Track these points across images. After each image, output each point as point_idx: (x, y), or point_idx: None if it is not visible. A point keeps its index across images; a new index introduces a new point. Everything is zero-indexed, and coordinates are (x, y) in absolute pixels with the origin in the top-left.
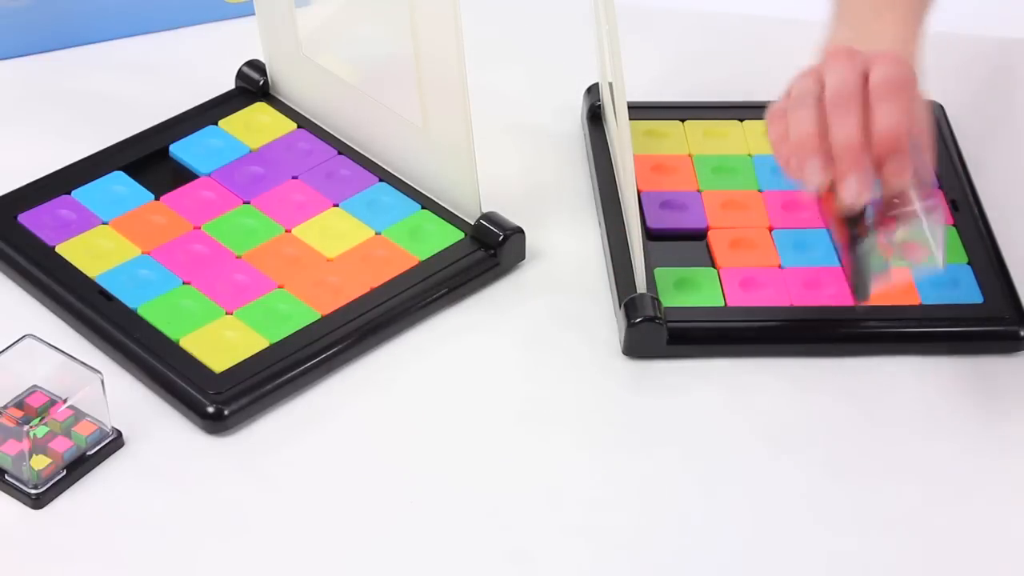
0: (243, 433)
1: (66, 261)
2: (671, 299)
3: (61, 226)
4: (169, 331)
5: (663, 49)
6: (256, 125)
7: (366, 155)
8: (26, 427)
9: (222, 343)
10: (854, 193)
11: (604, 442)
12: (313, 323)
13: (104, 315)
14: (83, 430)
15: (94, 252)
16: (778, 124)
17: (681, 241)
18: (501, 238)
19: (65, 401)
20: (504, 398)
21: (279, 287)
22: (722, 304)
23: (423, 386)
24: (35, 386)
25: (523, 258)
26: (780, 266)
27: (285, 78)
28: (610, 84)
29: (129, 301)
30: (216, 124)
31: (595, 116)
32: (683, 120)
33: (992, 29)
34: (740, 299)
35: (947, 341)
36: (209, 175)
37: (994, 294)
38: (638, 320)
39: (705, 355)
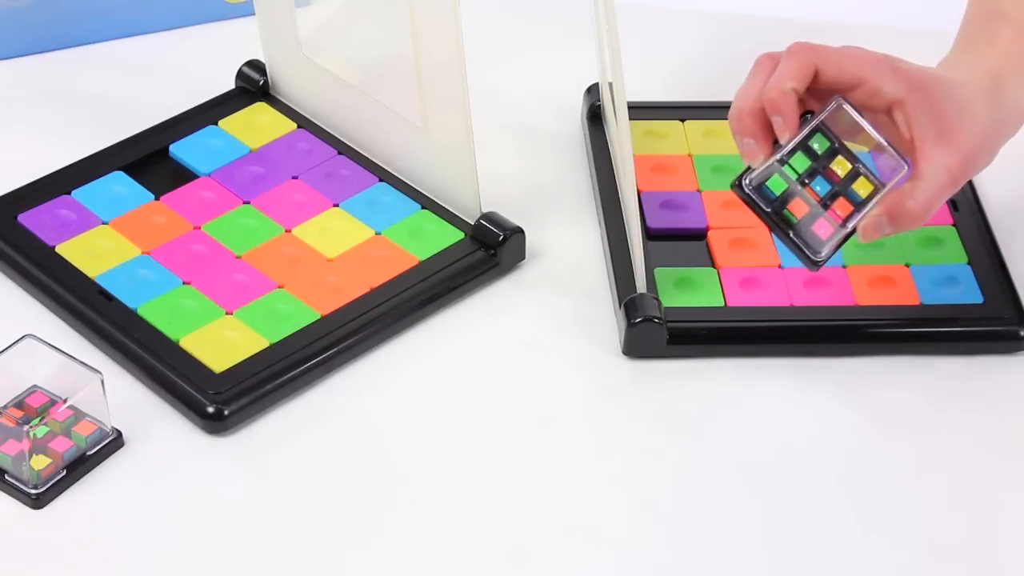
0: (243, 433)
1: (66, 261)
2: (671, 299)
3: (61, 226)
4: (169, 331)
5: (663, 49)
6: (256, 125)
7: (366, 155)
8: (26, 427)
9: (222, 343)
10: (745, 154)
11: (604, 442)
12: (313, 323)
13: (104, 315)
14: (83, 430)
15: (94, 252)
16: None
17: (681, 241)
18: (501, 238)
19: (65, 401)
20: (504, 398)
21: (279, 287)
22: (722, 304)
23: (423, 386)
24: (35, 386)
25: (523, 258)
26: (780, 266)
27: (285, 78)
28: (610, 84)
29: (129, 301)
30: (216, 124)
31: (595, 116)
32: (683, 120)
33: None
34: (740, 299)
35: (947, 341)
36: (209, 175)
37: (994, 294)
38: (638, 320)
39: (705, 355)
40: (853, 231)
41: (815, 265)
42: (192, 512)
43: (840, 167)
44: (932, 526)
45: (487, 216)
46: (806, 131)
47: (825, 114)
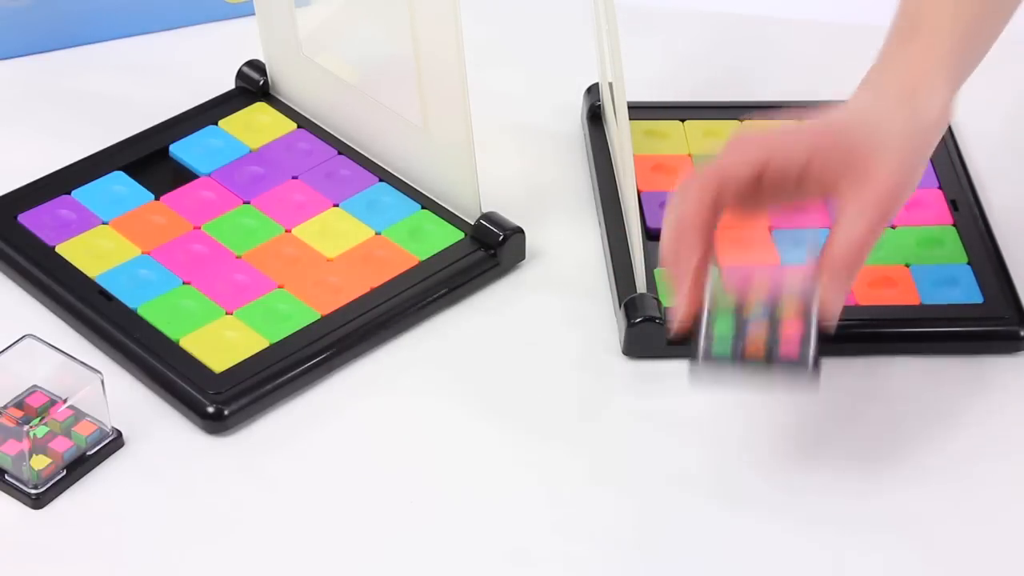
0: (243, 433)
1: (66, 261)
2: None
3: (61, 226)
4: (169, 331)
5: (663, 49)
6: (256, 125)
7: (366, 155)
8: (26, 427)
9: (222, 343)
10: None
11: (604, 442)
12: (313, 323)
13: (104, 315)
14: (83, 430)
15: (94, 252)
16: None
17: None
18: (501, 238)
19: (65, 401)
20: (504, 398)
21: (279, 287)
22: None
23: (423, 386)
24: (35, 386)
25: (523, 258)
26: (780, 266)
27: (285, 78)
28: (610, 84)
29: (129, 301)
30: (216, 124)
31: (595, 116)
32: (683, 120)
33: None
34: None
35: (947, 341)
36: (209, 175)
37: (994, 294)
38: (638, 320)
39: None
40: (818, 328)
41: (814, 378)
42: (192, 512)
43: (752, 310)
44: (932, 526)
45: (487, 216)
46: (708, 306)
47: (709, 293)
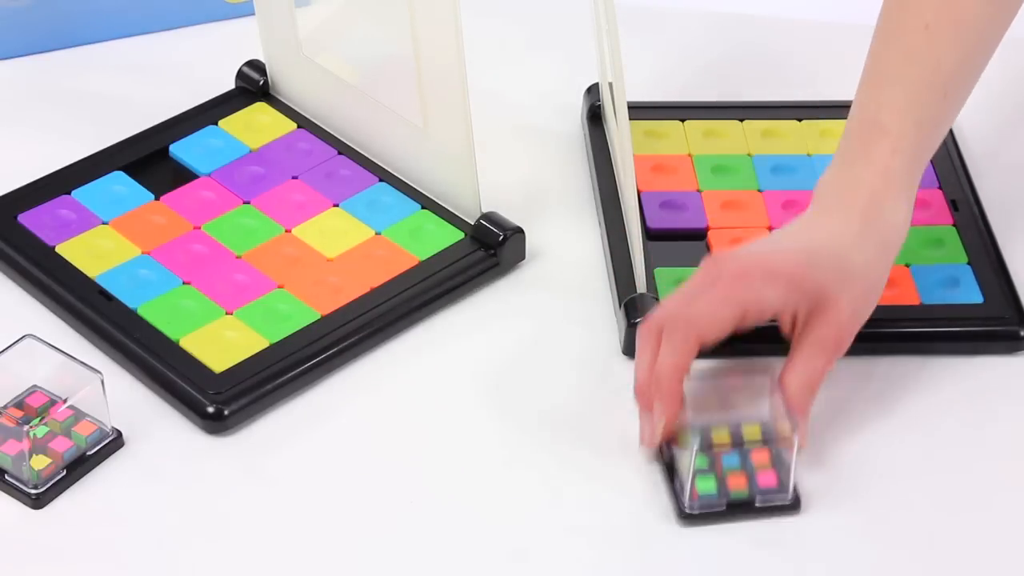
0: (243, 433)
1: (66, 261)
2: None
3: (61, 226)
4: (169, 331)
5: (663, 49)
6: (256, 125)
7: (366, 155)
8: (26, 427)
9: (222, 343)
10: (643, 436)
11: (604, 442)
12: (313, 323)
13: (104, 315)
14: (83, 430)
15: (94, 252)
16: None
17: (681, 241)
18: (501, 238)
19: (65, 401)
20: (504, 398)
21: (279, 287)
22: None
23: (423, 386)
24: (35, 386)
25: (523, 258)
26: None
27: (285, 78)
28: (610, 84)
29: (129, 301)
30: (216, 124)
31: (595, 116)
32: (683, 120)
33: None
34: None
35: (947, 341)
36: (209, 175)
37: (994, 294)
38: (638, 320)
39: (705, 355)
40: (792, 450)
41: (795, 508)
42: (192, 512)
43: (721, 437)
44: (931, 526)
45: (487, 216)
46: (683, 446)
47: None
